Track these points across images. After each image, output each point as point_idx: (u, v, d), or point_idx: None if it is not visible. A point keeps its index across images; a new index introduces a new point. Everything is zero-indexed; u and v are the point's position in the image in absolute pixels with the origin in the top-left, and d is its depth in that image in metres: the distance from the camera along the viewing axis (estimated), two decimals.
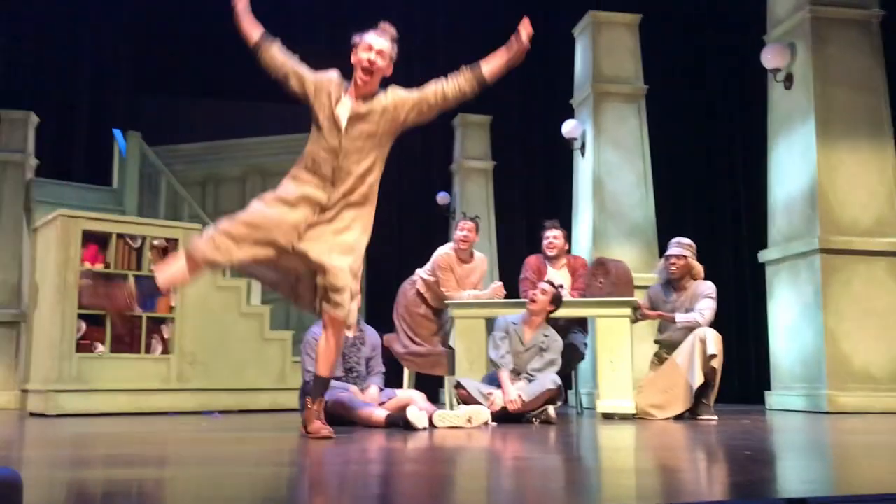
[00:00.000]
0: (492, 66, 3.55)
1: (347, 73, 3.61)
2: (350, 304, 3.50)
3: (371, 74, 3.49)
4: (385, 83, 3.62)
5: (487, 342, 5.09)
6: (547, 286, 5.01)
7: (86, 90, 9.82)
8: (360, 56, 3.49)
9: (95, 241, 6.02)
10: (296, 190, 3.49)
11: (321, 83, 3.55)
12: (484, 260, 5.88)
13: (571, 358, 5.65)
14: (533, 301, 4.94)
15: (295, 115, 10.51)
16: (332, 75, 3.60)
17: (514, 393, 4.73)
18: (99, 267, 5.99)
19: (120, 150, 9.23)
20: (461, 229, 5.67)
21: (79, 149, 9.72)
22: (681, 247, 5.38)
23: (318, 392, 3.65)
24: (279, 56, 3.57)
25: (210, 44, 9.50)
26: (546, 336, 4.97)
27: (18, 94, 9.21)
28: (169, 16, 10.38)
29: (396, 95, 3.59)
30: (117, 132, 9.33)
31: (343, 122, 3.50)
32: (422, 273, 5.79)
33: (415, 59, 11.16)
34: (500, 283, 5.68)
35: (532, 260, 5.84)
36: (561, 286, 5.23)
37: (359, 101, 3.53)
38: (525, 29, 3.49)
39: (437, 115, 3.69)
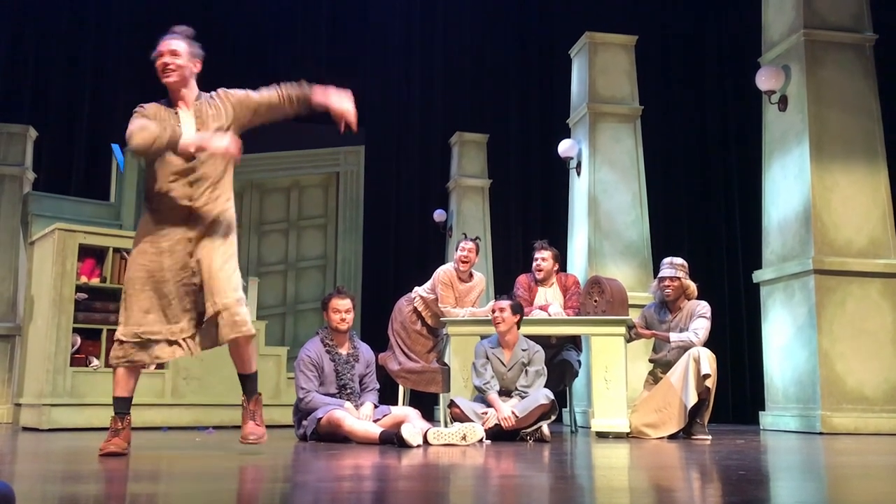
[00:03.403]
0: (320, 98, 3.60)
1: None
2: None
3: (170, 74, 3.51)
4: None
5: (471, 369, 5.07)
6: (503, 301, 4.97)
7: (85, 105, 9.86)
8: (157, 64, 3.54)
9: (92, 255, 6.02)
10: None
11: (149, 108, 3.52)
12: (482, 280, 5.91)
13: (566, 375, 5.67)
14: (498, 322, 4.91)
15: (294, 131, 10.60)
16: (146, 107, 3.53)
17: (508, 410, 4.73)
18: (95, 282, 5.99)
19: (118, 164, 9.25)
20: (462, 249, 5.71)
21: (77, 163, 9.74)
22: (673, 267, 5.39)
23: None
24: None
25: (208, 61, 9.58)
26: (524, 350, 4.97)
27: (17, 107, 9.24)
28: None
29: (234, 95, 3.62)
30: (115, 147, 9.35)
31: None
32: (421, 291, 5.82)
33: (415, 76, 11.26)
34: None
35: (523, 279, 5.87)
36: (514, 295, 5.23)
37: (190, 110, 3.55)
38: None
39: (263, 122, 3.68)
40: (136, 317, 3.48)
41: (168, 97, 3.59)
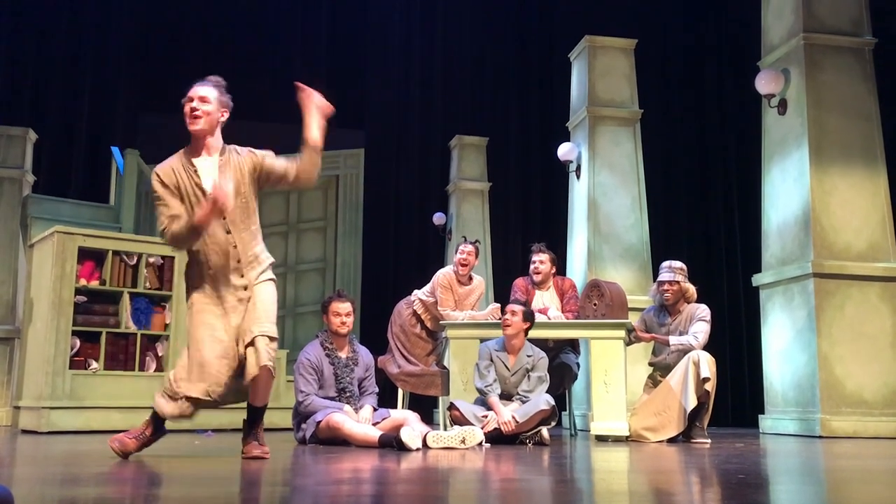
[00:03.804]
0: (309, 130, 3.54)
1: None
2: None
3: (196, 120, 3.46)
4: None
5: (474, 371, 5.06)
6: (516, 306, 4.98)
7: (84, 107, 9.87)
8: (184, 109, 3.49)
9: (91, 257, 6.02)
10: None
11: (166, 175, 3.47)
12: (482, 283, 5.91)
13: (565, 378, 5.67)
14: (507, 326, 4.92)
15: (294, 134, 10.61)
16: (165, 168, 3.50)
17: (508, 414, 4.73)
18: (94, 284, 5.99)
19: (118, 167, 9.25)
20: (461, 252, 5.72)
21: (76, 166, 9.75)
22: (672, 271, 5.39)
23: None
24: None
25: (208, 62, 9.61)
26: (529, 356, 4.96)
27: (17, 110, 9.25)
28: (168, 34, 10.46)
29: (254, 159, 3.57)
30: (115, 149, 9.35)
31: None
32: (420, 294, 5.82)
33: (414, 79, 11.27)
34: (498, 305, 5.69)
35: (520, 282, 5.87)
36: (527, 302, 5.23)
37: (210, 158, 3.51)
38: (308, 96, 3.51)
39: (272, 188, 3.69)
40: (216, 377, 3.44)
41: (189, 146, 3.54)
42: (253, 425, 3.64)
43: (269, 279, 3.60)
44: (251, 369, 3.42)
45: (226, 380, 3.47)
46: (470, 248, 5.75)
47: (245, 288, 3.52)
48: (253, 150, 3.63)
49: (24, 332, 6.48)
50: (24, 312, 6.63)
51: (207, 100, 3.50)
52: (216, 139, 3.55)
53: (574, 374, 5.75)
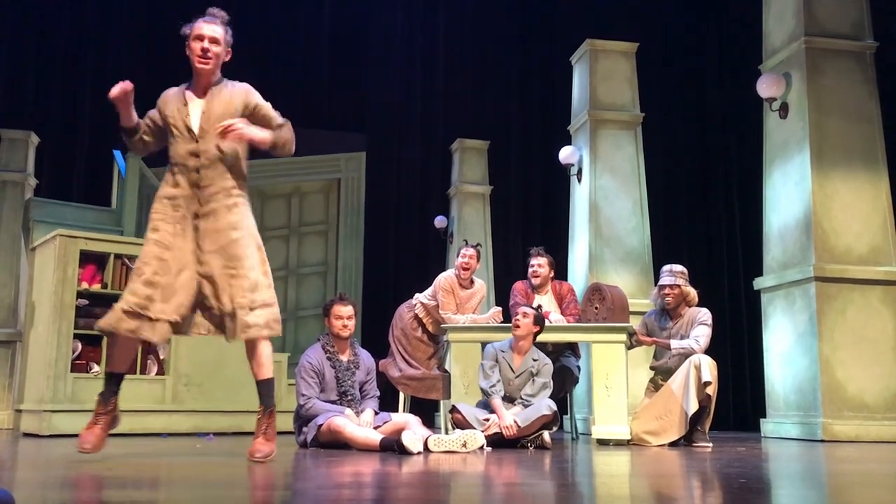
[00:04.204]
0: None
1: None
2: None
3: (208, 62, 3.49)
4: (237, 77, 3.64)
5: (478, 370, 5.07)
6: (528, 309, 5.01)
7: (86, 110, 9.88)
8: (193, 46, 3.50)
9: (93, 261, 6.03)
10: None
11: (162, 104, 3.61)
12: (483, 286, 5.92)
13: (566, 381, 5.67)
14: (517, 326, 4.93)
15: (295, 137, 10.62)
16: (166, 92, 3.63)
17: (510, 418, 4.73)
18: (96, 288, 5.99)
19: (119, 170, 9.27)
20: (463, 256, 5.72)
21: (78, 169, 9.76)
22: (673, 275, 5.40)
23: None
24: (141, 131, 3.67)
25: None
26: (535, 360, 4.97)
27: (19, 113, 9.26)
28: (170, 37, 10.47)
29: (250, 98, 3.58)
30: (117, 153, 9.37)
31: (195, 128, 3.51)
32: (422, 298, 5.83)
33: (416, 82, 11.28)
34: (499, 309, 5.70)
35: (519, 286, 5.88)
36: (539, 307, 5.24)
37: (205, 98, 3.54)
38: None
39: None
40: (149, 294, 3.42)
41: (192, 80, 3.58)
42: (262, 407, 3.60)
43: (243, 235, 3.50)
44: (231, 336, 3.45)
45: (159, 300, 3.42)
46: (471, 251, 5.76)
47: (196, 216, 3.48)
48: (251, 92, 3.59)
49: (26, 335, 6.49)
50: (26, 316, 6.63)
51: (218, 41, 3.52)
52: (215, 77, 3.58)
53: (575, 377, 5.75)
